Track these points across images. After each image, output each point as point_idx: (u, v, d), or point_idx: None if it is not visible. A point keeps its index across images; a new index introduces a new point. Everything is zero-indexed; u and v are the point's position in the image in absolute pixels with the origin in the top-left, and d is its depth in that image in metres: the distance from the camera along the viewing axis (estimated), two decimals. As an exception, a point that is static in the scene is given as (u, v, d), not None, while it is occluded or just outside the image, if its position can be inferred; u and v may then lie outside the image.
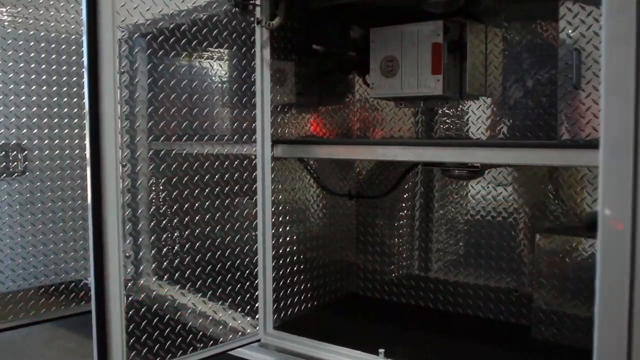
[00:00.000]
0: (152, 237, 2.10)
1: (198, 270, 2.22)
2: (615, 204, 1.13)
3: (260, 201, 2.40)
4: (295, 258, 2.67)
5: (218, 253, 2.27)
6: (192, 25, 2.16)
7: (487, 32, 2.60)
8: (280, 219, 2.59)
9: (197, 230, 2.21)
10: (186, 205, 2.16)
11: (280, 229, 2.59)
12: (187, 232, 2.18)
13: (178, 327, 2.13)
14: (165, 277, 2.16)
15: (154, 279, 2.15)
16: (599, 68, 1.99)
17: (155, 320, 2.07)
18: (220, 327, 2.30)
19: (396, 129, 2.96)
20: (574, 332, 2.35)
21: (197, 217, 2.20)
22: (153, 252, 2.14)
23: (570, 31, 2.03)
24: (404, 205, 3.00)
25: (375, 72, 2.62)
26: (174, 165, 2.13)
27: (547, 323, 2.40)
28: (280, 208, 2.59)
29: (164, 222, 2.13)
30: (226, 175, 2.28)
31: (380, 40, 2.60)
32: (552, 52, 2.44)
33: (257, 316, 2.40)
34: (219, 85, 2.28)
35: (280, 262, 2.58)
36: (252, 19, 2.27)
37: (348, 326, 2.64)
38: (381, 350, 2.20)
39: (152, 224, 2.08)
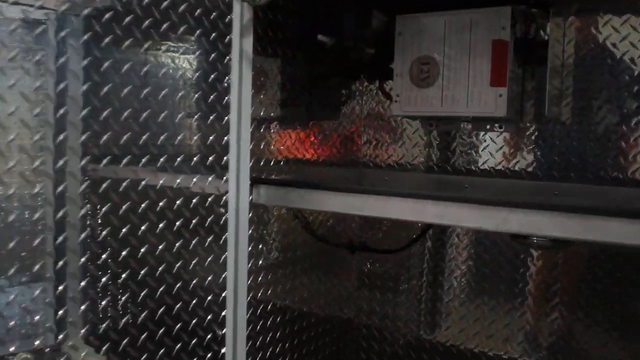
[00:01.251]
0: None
1: (144, 339, 1.36)
2: None
3: (232, 257, 1.56)
4: (278, 319, 1.84)
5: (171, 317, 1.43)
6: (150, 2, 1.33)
7: (565, 29, 1.81)
8: (260, 279, 1.76)
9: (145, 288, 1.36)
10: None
11: (260, 293, 1.76)
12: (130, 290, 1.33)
13: None
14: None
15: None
16: None
17: None
18: None
19: (400, 155, 2.15)
20: None
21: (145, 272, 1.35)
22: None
23: None
24: (411, 261, 2.20)
25: (403, 79, 1.80)
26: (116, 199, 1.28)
27: None
28: (260, 263, 1.76)
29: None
30: (187, 219, 1.45)
31: (411, 33, 1.78)
32: None
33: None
34: (182, 90, 1.45)
35: (258, 329, 1.75)
36: (224, -10, 1.42)
37: None
38: None
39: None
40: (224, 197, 1.52)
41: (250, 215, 1.61)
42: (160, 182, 1.40)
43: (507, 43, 1.64)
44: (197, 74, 1.55)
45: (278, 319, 1.84)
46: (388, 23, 1.84)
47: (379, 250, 2.18)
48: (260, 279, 1.76)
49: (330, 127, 2.13)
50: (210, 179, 1.51)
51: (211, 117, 1.51)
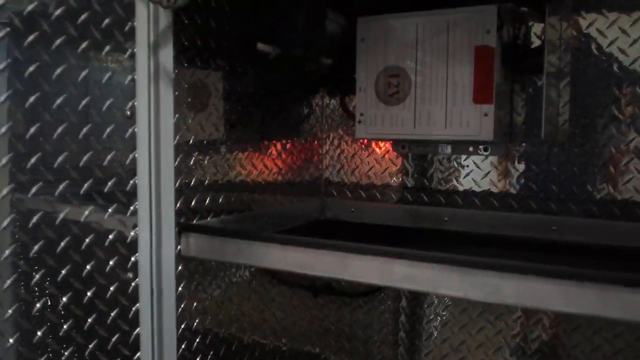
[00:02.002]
0: None
1: None
2: None
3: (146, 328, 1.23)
4: None
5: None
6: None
7: (562, 31, 1.50)
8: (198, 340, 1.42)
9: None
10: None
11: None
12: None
13: None
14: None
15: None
16: None
17: None
18: None
19: (376, 181, 1.83)
20: None
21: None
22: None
23: None
24: (383, 305, 1.88)
25: (367, 94, 1.48)
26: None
27: None
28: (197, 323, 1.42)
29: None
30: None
31: (376, 39, 1.47)
32: None
33: None
34: (92, 109, 1.12)
35: None
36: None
37: None
38: None
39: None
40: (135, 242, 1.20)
41: (180, 269, 1.29)
42: (84, 216, 1.06)
43: (494, 50, 1.34)
44: (108, 91, 1.22)
45: None
46: (348, 27, 1.52)
47: (346, 293, 1.86)
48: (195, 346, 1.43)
49: (287, 150, 1.80)
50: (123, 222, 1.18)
51: (124, 137, 1.17)
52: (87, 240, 1.11)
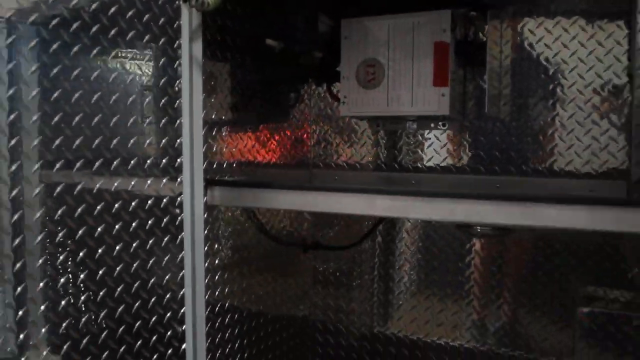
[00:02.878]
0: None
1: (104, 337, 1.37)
2: None
3: (189, 256, 1.59)
4: (236, 317, 1.86)
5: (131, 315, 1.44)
6: (97, 9, 1.34)
7: (502, 31, 1.91)
8: (217, 278, 1.78)
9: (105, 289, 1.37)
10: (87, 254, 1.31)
11: (218, 292, 1.78)
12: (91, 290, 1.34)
13: None
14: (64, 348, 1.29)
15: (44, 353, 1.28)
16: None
17: None
18: None
19: (349, 155, 2.21)
20: None
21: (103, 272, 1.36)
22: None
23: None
24: (362, 256, 2.26)
25: (350, 81, 1.86)
26: (71, 202, 1.29)
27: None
28: (215, 262, 1.78)
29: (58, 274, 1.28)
30: (143, 221, 1.47)
31: (357, 36, 1.85)
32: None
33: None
34: (134, 95, 1.47)
35: (217, 326, 1.77)
36: (175, -5, 1.46)
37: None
38: None
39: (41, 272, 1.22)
40: (179, 199, 1.55)
41: (206, 215, 1.64)
42: (115, 185, 1.41)
43: (448, 45, 1.73)
44: (149, 79, 1.57)
45: (236, 317, 1.87)
46: (334, 27, 1.90)
47: (330, 247, 2.24)
48: (217, 278, 1.79)
49: (280, 130, 2.17)
50: (164, 181, 1.53)
51: (163, 121, 1.53)
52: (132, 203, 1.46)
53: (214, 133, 1.80)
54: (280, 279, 2.18)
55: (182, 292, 1.54)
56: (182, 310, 1.53)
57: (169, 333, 1.50)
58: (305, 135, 2.27)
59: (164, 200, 1.52)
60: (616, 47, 1.79)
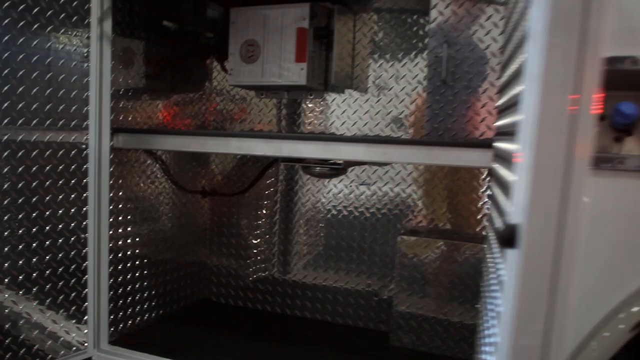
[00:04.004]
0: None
1: (34, 275, 1.88)
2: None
3: (93, 199, 2.07)
4: (137, 262, 2.34)
5: (48, 256, 1.92)
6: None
7: (355, 21, 2.44)
8: (120, 218, 2.25)
9: (27, 230, 1.86)
10: (13, 200, 1.80)
11: (120, 230, 2.25)
12: (19, 232, 1.83)
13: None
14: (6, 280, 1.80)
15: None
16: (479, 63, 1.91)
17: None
18: (53, 341, 1.97)
19: (257, 121, 2.72)
20: (432, 338, 2.25)
21: (24, 215, 1.85)
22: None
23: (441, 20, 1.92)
24: (262, 203, 2.77)
25: (235, 57, 2.37)
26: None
27: (406, 329, 2.29)
28: (120, 206, 2.24)
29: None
30: (55, 167, 1.94)
31: (242, 22, 2.35)
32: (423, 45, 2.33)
33: (85, 331, 2.06)
34: (51, 62, 1.93)
35: (119, 267, 2.24)
36: (87, -18, 1.94)
37: (195, 337, 2.36)
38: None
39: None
40: (85, 143, 2.04)
41: (112, 156, 2.12)
42: (34, 137, 1.89)
43: (307, 30, 2.24)
44: (63, 49, 2.03)
45: (137, 262, 2.35)
46: (225, 13, 2.40)
47: (226, 194, 2.75)
48: (121, 219, 2.27)
49: (187, 98, 2.66)
50: (74, 133, 2.01)
51: (73, 80, 1.99)
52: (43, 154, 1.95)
53: (121, 94, 2.25)
54: (182, 225, 2.67)
55: (85, 235, 2.04)
56: (85, 250, 2.03)
57: (72, 267, 1.99)
58: (208, 104, 2.77)
59: (74, 151, 2.00)
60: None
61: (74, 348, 2.02)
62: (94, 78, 2.00)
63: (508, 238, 0.82)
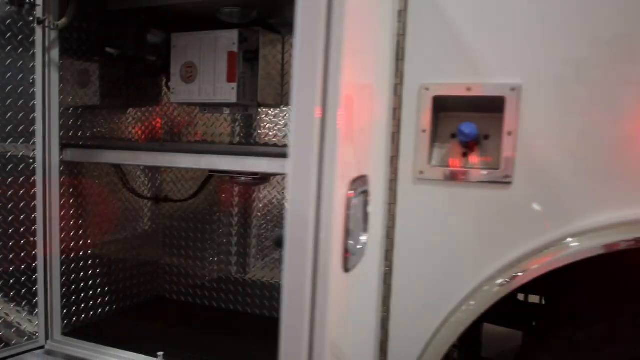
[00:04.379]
0: None
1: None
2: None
3: (41, 206, 2.35)
4: (90, 262, 2.62)
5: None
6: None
7: (284, 43, 2.71)
8: (72, 223, 2.52)
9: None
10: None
11: (72, 233, 2.52)
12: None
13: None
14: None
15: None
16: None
17: None
18: (7, 329, 2.25)
19: (211, 134, 3.00)
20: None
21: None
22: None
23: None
24: (218, 205, 3.04)
25: (176, 77, 2.64)
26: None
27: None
28: (72, 212, 2.51)
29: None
30: (4, 179, 2.23)
31: (181, 46, 2.63)
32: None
33: (36, 323, 2.35)
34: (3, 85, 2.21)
35: (72, 267, 2.52)
36: (32, 19, 2.21)
37: (145, 330, 2.63)
38: (160, 353, 2.23)
39: None
40: (32, 157, 2.32)
41: (62, 168, 2.40)
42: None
43: (236, 54, 2.51)
44: (11, 75, 2.31)
45: (89, 262, 2.62)
46: (167, 39, 2.68)
47: (176, 200, 3.02)
48: (72, 223, 2.54)
49: (142, 113, 2.94)
50: (22, 148, 2.29)
51: (20, 102, 2.26)
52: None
53: (79, 112, 2.52)
54: (136, 227, 2.95)
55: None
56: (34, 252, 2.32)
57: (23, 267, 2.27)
58: (161, 118, 3.05)
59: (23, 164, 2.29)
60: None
61: (26, 337, 2.30)
62: (39, 101, 2.28)
63: (277, 241, 1.08)
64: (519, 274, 1.61)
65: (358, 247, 1.29)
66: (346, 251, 1.18)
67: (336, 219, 1.11)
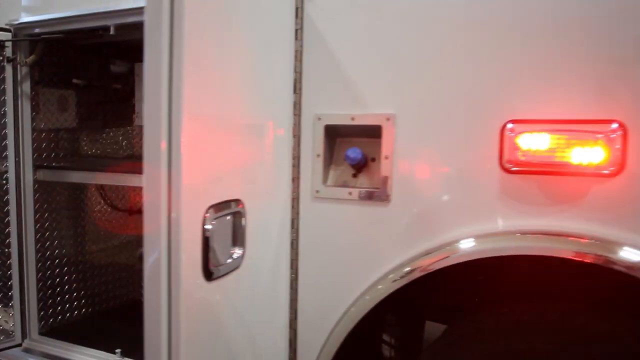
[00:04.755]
0: None
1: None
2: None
3: (14, 221, 2.66)
4: (65, 269, 2.93)
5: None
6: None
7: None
8: (48, 234, 2.81)
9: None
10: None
11: (48, 243, 2.82)
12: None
13: None
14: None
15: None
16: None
17: None
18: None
19: None
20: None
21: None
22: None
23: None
24: None
25: (140, 102, 2.94)
26: None
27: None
28: (47, 224, 2.81)
29: None
30: None
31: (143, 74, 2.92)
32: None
33: (12, 324, 2.68)
34: None
35: (49, 273, 2.82)
36: (1, 57, 2.54)
37: (121, 331, 2.90)
38: (118, 350, 2.52)
39: None
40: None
41: (36, 186, 2.72)
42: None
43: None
44: None
45: (65, 268, 2.93)
46: (132, 68, 2.99)
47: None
48: (48, 234, 2.85)
49: (116, 135, 3.26)
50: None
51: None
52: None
53: (58, 135, 2.84)
54: (114, 235, 3.26)
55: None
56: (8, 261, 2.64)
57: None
58: (131, 139, 3.36)
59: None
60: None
61: (2, 337, 2.63)
62: (10, 129, 2.60)
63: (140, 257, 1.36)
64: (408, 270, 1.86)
65: (228, 260, 1.56)
66: (207, 263, 1.46)
67: (188, 239, 1.39)
